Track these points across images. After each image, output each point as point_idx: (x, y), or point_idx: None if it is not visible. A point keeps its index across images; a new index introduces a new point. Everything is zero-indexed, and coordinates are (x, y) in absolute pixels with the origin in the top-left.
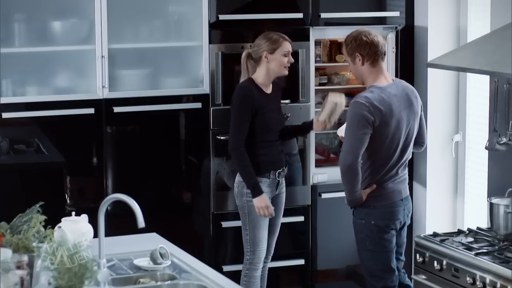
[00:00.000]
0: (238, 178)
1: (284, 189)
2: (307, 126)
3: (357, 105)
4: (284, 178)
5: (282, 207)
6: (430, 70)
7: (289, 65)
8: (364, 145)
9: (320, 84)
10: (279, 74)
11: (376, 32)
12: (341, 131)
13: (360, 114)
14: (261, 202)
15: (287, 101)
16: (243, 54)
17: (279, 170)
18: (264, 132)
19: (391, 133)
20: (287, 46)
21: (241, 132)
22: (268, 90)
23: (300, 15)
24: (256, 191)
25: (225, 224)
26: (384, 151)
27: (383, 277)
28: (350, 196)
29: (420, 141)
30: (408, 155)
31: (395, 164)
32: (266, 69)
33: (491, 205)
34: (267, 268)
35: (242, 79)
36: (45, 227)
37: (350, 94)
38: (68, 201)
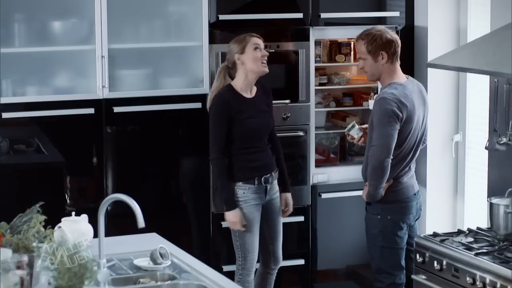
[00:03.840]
0: (241, 187)
1: (277, 194)
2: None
3: (385, 101)
4: (276, 184)
5: (278, 212)
6: (430, 70)
7: (265, 60)
8: (395, 141)
9: (320, 84)
10: (258, 73)
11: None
12: (354, 132)
13: (390, 110)
14: (232, 217)
15: (287, 101)
16: (220, 67)
17: (265, 176)
18: (246, 138)
19: (412, 129)
20: (255, 40)
21: (218, 143)
22: (249, 94)
23: (300, 15)
24: (229, 205)
25: (225, 224)
26: (405, 147)
27: (393, 273)
28: (374, 191)
29: (423, 139)
30: (419, 151)
31: (410, 160)
32: (244, 72)
33: (491, 205)
34: (275, 276)
35: (213, 89)
36: (45, 227)
37: (349, 94)
38: (68, 201)
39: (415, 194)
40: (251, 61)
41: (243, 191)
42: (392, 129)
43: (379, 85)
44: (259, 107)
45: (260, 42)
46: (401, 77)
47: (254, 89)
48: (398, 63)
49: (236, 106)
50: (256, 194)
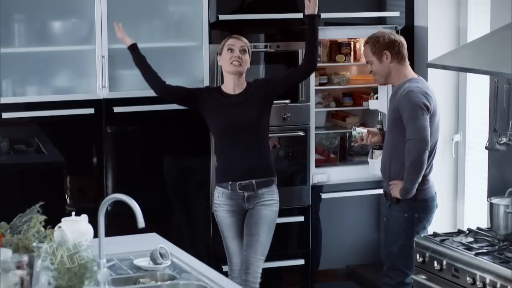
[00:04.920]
0: (216, 190)
1: (267, 203)
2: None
3: (414, 94)
4: (267, 192)
5: (261, 222)
6: (430, 70)
7: (234, 60)
8: (429, 133)
9: (320, 84)
10: (231, 72)
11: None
12: (359, 130)
13: (421, 102)
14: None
15: (287, 101)
16: None
17: (241, 182)
18: (220, 134)
19: (436, 122)
20: (230, 41)
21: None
22: (234, 91)
23: (300, 15)
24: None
25: None
26: (432, 141)
27: (405, 272)
28: (411, 186)
29: None
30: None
31: (434, 155)
32: (224, 72)
33: (491, 205)
34: None
35: None
36: (45, 227)
37: (349, 94)
38: (68, 201)
39: (435, 192)
40: (224, 63)
41: (218, 195)
42: (425, 120)
43: (379, 86)
44: (236, 103)
45: (235, 42)
46: (414, 75)
47: (243, 87)
48: (406, 63)
49: (208, 96)
50: (232, 200)
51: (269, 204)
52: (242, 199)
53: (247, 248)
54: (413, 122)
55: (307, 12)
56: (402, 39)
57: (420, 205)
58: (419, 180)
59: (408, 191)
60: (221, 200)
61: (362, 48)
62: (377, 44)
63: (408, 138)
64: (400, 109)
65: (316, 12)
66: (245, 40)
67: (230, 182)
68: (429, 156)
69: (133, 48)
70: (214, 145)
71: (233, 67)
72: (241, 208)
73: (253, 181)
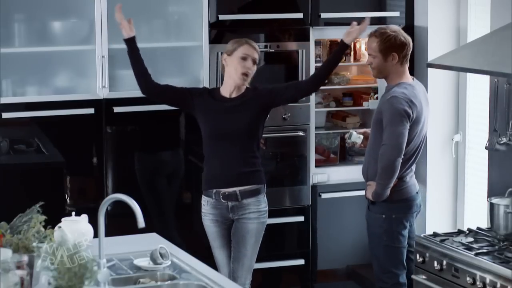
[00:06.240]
0: (202, 198)
1: (252, 216)
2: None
3: (397, 100)
4: (253, 203)
5: (248, 236)
6: (430, 70)
7: (246, 72)
8: (406, 140)
9: None
10: (235, 83)
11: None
12: (354, 138)
13: (402, 109)
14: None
15: None
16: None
17: (224, 192)
18: (208, 138)
19: (419, 129)
20: (247, 49)
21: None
22: (230, 95)
23: (300, 15)
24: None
25: None
26: (411, 147)
27: (396, 273)
28: (382, 191)
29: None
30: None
31: (414, 160)
32: (227, 75)
33: (491, 205)
34: None
35: None
36: (45, 227)
37: (349, 94)
38: (68, 201)
39: (417, 192)
40: (233, 68)
41: (204, 203)
42: (404, 128)
43: (379, 86)
44: (227, 108)
45: (251, 52)
46: (408, 78)
47: (239, 93)
48: (406, 65)
49: (201, 98)
50: (216, 209)
51: (255, 217)
52: (226, 209)
53: (234, 261)
54: (391, 127)
55: (346, 39)
56: (410, 41)
57: (397, 205)
58: (391, 185)
59: (379, 195)
60: (206, 209)
61: (364, 46)
62: (387, 43)
63: (383, 143)
64: (382, 113)
65: (351, 44)
66: (258, 49)
67: (214, 191)
68: (409, 159)
69: (130, 42)
70: (203, 151)
71: (241, 81)
72: (225, 218)
73: (237, 190)
